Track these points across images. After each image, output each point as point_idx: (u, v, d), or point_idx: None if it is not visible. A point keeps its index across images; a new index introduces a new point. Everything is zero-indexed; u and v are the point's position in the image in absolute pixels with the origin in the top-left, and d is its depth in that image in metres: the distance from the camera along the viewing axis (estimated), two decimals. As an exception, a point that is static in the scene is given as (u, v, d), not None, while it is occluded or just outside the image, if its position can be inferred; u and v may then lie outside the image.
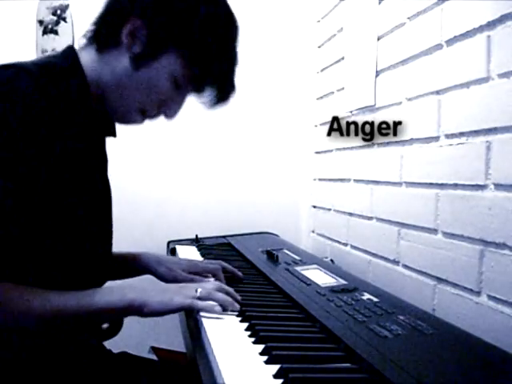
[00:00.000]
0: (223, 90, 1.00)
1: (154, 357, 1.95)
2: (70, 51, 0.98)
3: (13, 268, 0.83)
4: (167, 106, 0.99)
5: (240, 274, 1.26)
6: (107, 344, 1.15)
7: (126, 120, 1.01)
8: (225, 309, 0.94)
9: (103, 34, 0.96)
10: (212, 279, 1.18)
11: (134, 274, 1.26)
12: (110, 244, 1.09)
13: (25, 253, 0.85)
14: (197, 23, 0.93)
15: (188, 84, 0.97)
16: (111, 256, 1.11)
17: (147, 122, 1.03)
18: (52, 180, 0.87)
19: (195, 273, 1.21)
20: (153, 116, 1.00)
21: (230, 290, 1.01)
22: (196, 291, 0.93)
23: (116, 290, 0.90)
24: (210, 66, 0.96)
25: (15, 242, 0.83)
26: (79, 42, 1.00)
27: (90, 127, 0.98)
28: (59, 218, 0.90)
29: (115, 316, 0.98)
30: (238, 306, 0.96)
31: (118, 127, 1.11)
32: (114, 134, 1.11)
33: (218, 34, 0.95)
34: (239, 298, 1.00)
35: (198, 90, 0.98)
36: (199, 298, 0.92)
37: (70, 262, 0.93)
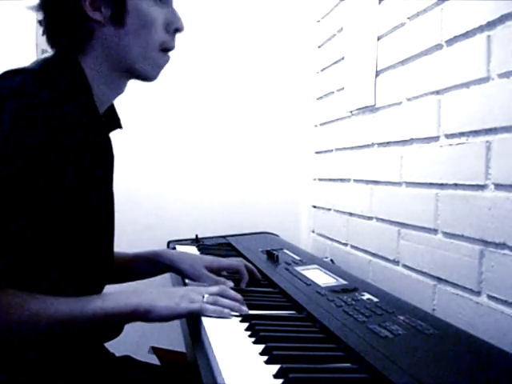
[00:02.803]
0: None
1: (154, 357, 1.95)
2: (64, 54, 0.98)
3: (16, 274, 0.82)
4: (171, 23, 0.99)
5: (259, 275, 1.26)
6: (107, 344, 1.15)
7: (157, 65, 1.00)
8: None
9: (71, 26, 0.95)
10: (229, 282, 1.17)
11: (156, 273, 1.25)
12: (112, 247, 1.09)
13: (27, 257, 0.84)
14: None
15: None
16: (113, 259, 1.10)
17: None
18: (59, 185, 0.87)
19: (220, 269, 1.20)
20: (171, 43, 1.00)
21: (235, 294, 1.00)
22: (203, 297, 0.93)
23: (121, 296, 0.90)
24: None
25: (19, 247, 0.82)
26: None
27: (96, 127, 0.98)
28: (63, 221, 0.89)
29: (121, 321, 0.97)
30: (246, 310, 0.96)
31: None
32: (119, 126, 1.10)
33: None
34: (245, 306, 0.99)
35: None
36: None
37: (71, 265, 0.93)
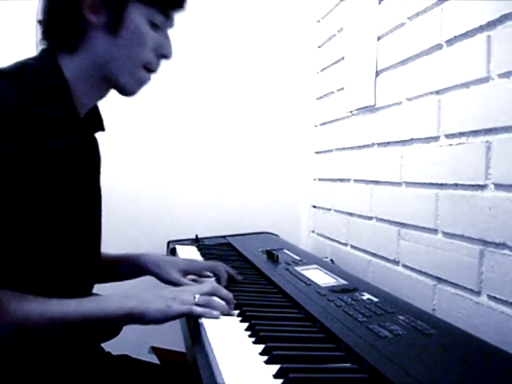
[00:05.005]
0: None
1: (154, 357, 1.95)
2: (45, 52, 0.99)
3: (7, 275, 0.83)
4: (160, 48, 1.01)
5: (239, 277, 1.25)
6: (107, 344, 1.15)
7: (137, 81, 1.02)
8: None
9: (68, 26, 0.97)
10: (212, 279, 1.18)
11: (135, 276, 1.26)
12: (99, 246, 1.10)
13: (16, 258, 0.85)
14: None
15: (161, 19, 1.00)
16: (99, 258, 1.11)
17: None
18: (40, 183, 0.87)
19: (196, 272, 1.21)
20: (155, 65, 1.02)
21: (227, 293, 0.99)
22: (194, 298, 0.93)
23: (116, 299, 0.90)
24: None
25: (9, 247, 0.83)
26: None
27: (75, 128, 0.98)
28: (48, 220, 0.90)
29: (115, 324, 0.99)
30: (234, 313, 0.97)
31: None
32: (102, 129, 1.11)
33: None
34: (234, 301, 0.99)
35: (168, 17, 1.02)
36: (197, 305, 0.92)
37: (59, 263, 0.93)
